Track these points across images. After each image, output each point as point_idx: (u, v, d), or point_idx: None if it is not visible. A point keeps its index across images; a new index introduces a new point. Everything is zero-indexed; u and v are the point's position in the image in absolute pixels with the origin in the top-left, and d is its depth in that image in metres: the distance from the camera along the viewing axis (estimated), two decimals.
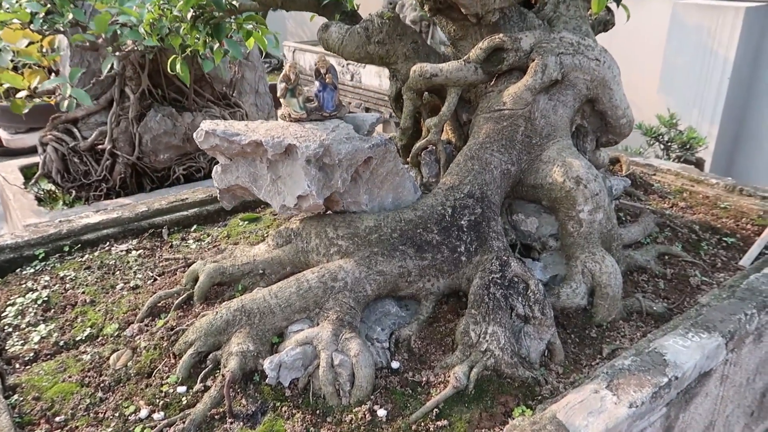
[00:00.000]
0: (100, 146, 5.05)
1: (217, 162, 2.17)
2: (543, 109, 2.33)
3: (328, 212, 2.23)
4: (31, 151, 6.84)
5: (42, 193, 4.93)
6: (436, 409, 1.70)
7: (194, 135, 2.04)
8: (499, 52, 2.35)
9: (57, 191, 5.06)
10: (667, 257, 2.57)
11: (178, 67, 3.10)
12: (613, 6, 2.82)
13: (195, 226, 2.85)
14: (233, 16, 2.86)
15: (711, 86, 6.61)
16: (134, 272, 2.42)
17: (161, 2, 2.89)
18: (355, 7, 2.83)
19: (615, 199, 2.85)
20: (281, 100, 2.12)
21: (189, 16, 2.65)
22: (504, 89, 2.36)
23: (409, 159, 2.61)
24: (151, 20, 2.94)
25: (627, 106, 2.48)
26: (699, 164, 5.74)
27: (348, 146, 2.01)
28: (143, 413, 1.70)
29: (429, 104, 2.74)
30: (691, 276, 2.44)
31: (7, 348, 2.01)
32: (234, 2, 2.71)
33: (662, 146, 5.75)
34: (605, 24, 2.94)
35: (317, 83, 2.13)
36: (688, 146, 5.75)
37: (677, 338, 1.91)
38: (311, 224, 2.19)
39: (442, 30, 2.67)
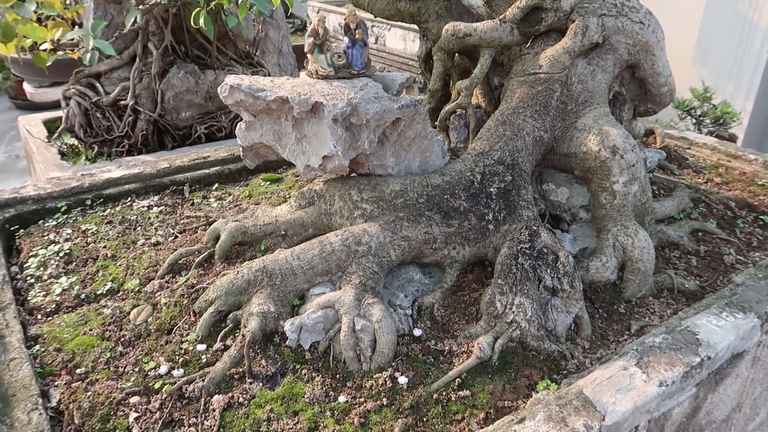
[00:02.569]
0: (122, 102, 5.01)
1: (241, 120, 2.11)
2: (580, 74, 2.22)
3: (352, 175, 2.17)
4: (55, 105, 6.85)
5: (65, 147, 4.93)
6: (458, 379, 1.67)
7: (218, 89, 1.98)
8: (537, 12, 2.24)
9: (80, 146, 5.05)
10: (700, 234, 2.48)
11: (201, 20, 3.03)
12: None
13: (216, 185, 2.81)
14: None
15: (749, 59, 6.34)
16: (155, 228, 2.40)
17: None
18: None
19: (649, 172, 2.75)
20: (308, 56, 2.04)
21: None
22: (540, 52, 2.25)
23: (437, 123, 2.52)
24: None
25: (669, 73, 2.36)
26: (731, 140, 5.54)
27: (376, 106, 1.94)
28: (163, 369, 1.69)
29: (459, 67, 2.65)
30: (726, 254, 2.35)
31: (29, 299, 2.01)
32: None
33: (694, 120, 5.56)
34: None
35: (346, 39, 2.04)
36: (721, 121, 5.56)
37: (711, 317, 1.85)
38: (335, 186, 2.13)
39: None
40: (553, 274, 1.87)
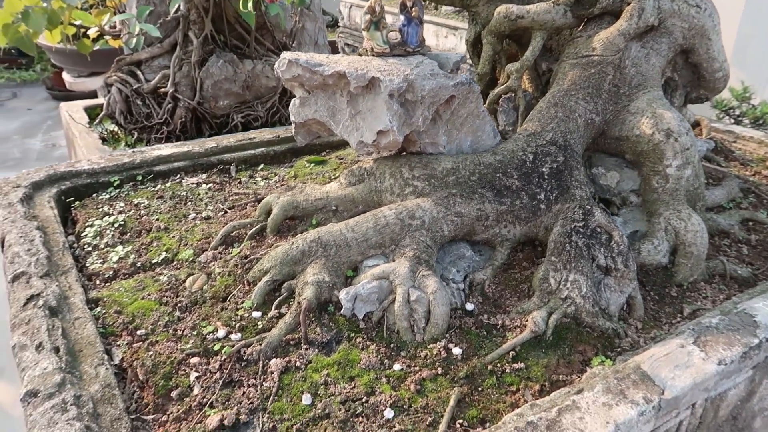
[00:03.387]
0: (162, 89, 5.10)
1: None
2: (634, 57, 2.21)
3: (402, 153, 2.18)
4: (92, 95, 7.00)
5: (105, 133, 5.03)
6: (512, 352, 1.67)
7: (276, 64, 2.01)
8: None
9: (119, 132, 5.15)
10: (751, 223, 2.44)
11: (250, 4, 3.08)
12: None
13: (262, 165, 2.85)
14: None
15: None
16: (205, 204, 2.44)
17: None
18: None
19: None
20: (364, 33, 2.06)
21: None
22: (594, 34, 2.25)
23: (485, 105, 2.52)
24: None
25: (724, 59, 2.34)
26: None
27: (432, 83, 1.95)
28: (221, 333, 1.72)
29: (506, 53, 2.65)
30: None
31: (87, 265, 2.06)
32: None
33: (732, 120, 5.47)
34: None
35: (402, 17, 2.06)
36: (761, 122, 5.46)
37: (767, 302, 1.82)
38: (385, 164, 2.15)
39: None
40: (607, 253, 1.87)
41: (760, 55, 6.34)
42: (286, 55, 2.01)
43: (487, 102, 2.50)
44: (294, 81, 2.04)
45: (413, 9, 2.04)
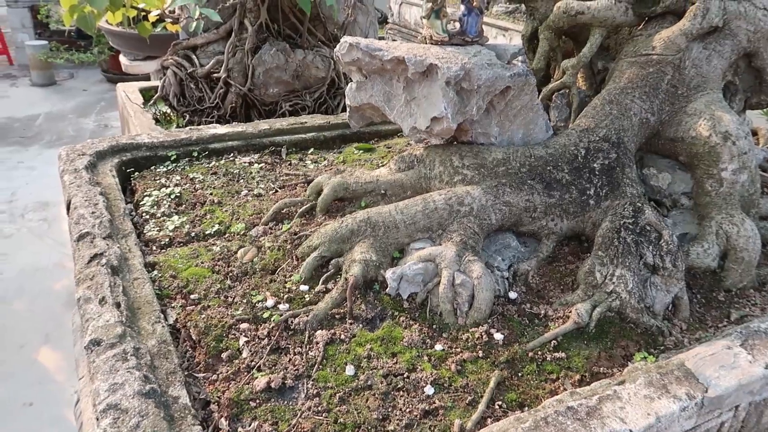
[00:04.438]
0: (215, 74, 5.23)
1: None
2: (695, 58, 2.19)
3: (453, 142, 2.21)
4: (146, 78, 7.22)
5: (159, 113, 5.20)
6: (554, 341, 1.69)
7: (337, 48, 2.06)
8: None
9: (172, 114, 5.32)
10: None
11: None
12: None
13: (312, 149, 2.92)
14: None
15: None
16: (257, 182, 2.52)
17: None
18: None
19: None
20: (424, 21, 2.10)
21: None
22: (654, 33, 2.23)
23: (539, 100, 2.53)
24: None
25: None
26: None
27: (489, 72, 1.97)
28: (269, 303, 1.78)
29: (562, 49, 2.64)
30: None
31: (144, 232, 2.15)
32: None
33: None
34: None
35: (463, 7, 2.08)
36: None
37: None
38: (436, 152, 2.18)
39: None
40: (655, 251, 1.86)
41: None
42: (347, 39, 2.06)
43: (540, 97, 2.49)
44: (353, 65, 2.09)
45: None
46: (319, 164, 2.75)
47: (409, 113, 2.08)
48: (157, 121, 5.08)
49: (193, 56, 5.38)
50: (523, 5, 2.66)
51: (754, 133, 3.16)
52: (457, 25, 2.11)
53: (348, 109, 2.25)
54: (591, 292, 1.80)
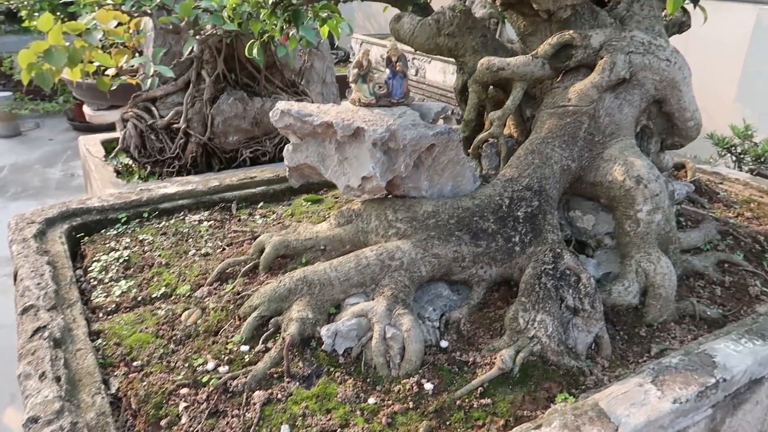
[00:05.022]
0: (175, 125, 5.33)
1: (287, 143, 2.30)
2: (608, 107, 2.35)
3: (389, 196, 2.32)
4: (110, 127, 7.28)
5: (120, 166, 5.27)
6: (480, 388, 1.78)
7: (270, 114, 2.18)
8: (567, 49, 2.38)
9: (134, 165, 5.39)
10: (726, 265, 2.53)
11: (255, 51, 3.28)
12: (689, 7, 2.79)
13: (261, 203, 3.01)
14: (310, 5, 3.00)
15: None
16: (205, 241, 2.60)
17: None
18: (428, 0, 2.92)
19: (677, 204, 2.83)
20: (352, 85, 2.23)
21: (270, 2, 2.80)
22: (570, 86, 2.39)
23: (470, 150, 2.67)
24: (233, 5, 3.12)
25: (696, 108, 2.46)
26: None
27: (413, 132, 2.10)
28: (210, 365, 1.85)
29: (493, 98, 2.80)
30: (751, 285, 2.40)
31: (92, 299, 2.21)
32: None
33: (734, 158, 5.55)
34: (680, 25, 2.91)
35: (388, 70, 2.22)
36: (762, 159, 5.53)
37: (729, 342, 1.91)
38: (372, 206, 2.29)
39: (512, 25, 2.71)
40: (575, 294, 1.98)
41: (765, 92, 6.44)
42: (279, 105, 2.18)
43: (473, 147, 2.64)
44: (287, 129, 2.20)
45: (398, 64, 2.21)
46: (267, 218, 2.84)
47: (342, 172, 2.20)
48: (118, 173, 5.14)
49: (153, 108, 5.48)
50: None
51: (682, 167, 3.34)
52: (384, 87, 2.24)
53: (287, 170, 2.35)
54: (515, 337, 1.91)
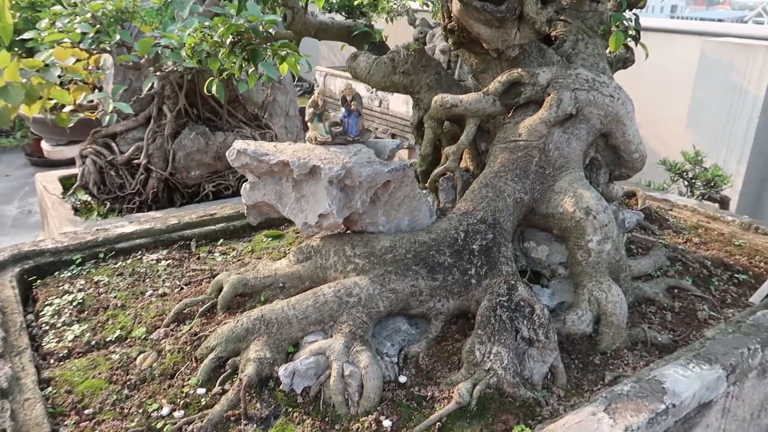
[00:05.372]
0: (135, 161, 5.28)
1: (246, 180, 2.31)
2: (557, 142, 2.43)
3: (347, 231, 2.35)
4: (70, 162, 7.15)
5: (78, 203, 5.18)
6: (438, 423, 1.79)
7: (227, 153, 2.20)
8: (517, 86, 2.47)
9: (93, 202, 5.30)
10: (676, 291, 2.62)
11: (214, 88, 3.30)
12: (633, 43, 2.92)
13: (221, 240, 3.00)
14: (269, 43, 3.04)
15: (739, 124, 6.61)
16: (163, 280, 2.56)
17: (203, 28, 3.09)
18: (384, 39, 2.99)
19: (628, 232, 2.92)
20: (309, 124, 2.26)
21: (228, 41, 2.84)
22: (520, 121, 2.47)
23: (427, 184, 2.72)
24: (192, 44, 3.14)
25: (640, 141, 2.57)
26: (724, 202, 5.72)
27: (368, 169, 2.14)
28: (165, 411, 1.82)
29: (449, 132, 2.87)
30: (699, 310, 2.49)
31: (43, 344, 2.15)
32: (270, 30, 2.89)
33: (686, 183, 5.76)
34: (625, 61, 3.05)
35: (343, 109, 2.27)
36: (712, 184, 5.74)
37: (678, 368, 1.97)
38: (330, 242, 2.31)
39: (465, 62, 2.80)
40: (530, 325, 2.02)
41: (714, 119, 6.74)
42: (236, 145, 2.19)
43: (429, 181, 2.69)
44: (243, 168, 2.21)
45: (353, 103, 2.26)
46: (227, 256, 2.82)
47: (300, 209, 2.21)
48: (76, 210, 5.05)
49: (113, 144, 5.42)
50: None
51: (633, 195, 3.46)
52: (340, 125, 2.29)
53: (245, 208, 2.36)
54: (472, 370, 1.93)
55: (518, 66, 2.54)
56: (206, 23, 3.09)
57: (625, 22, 2.62)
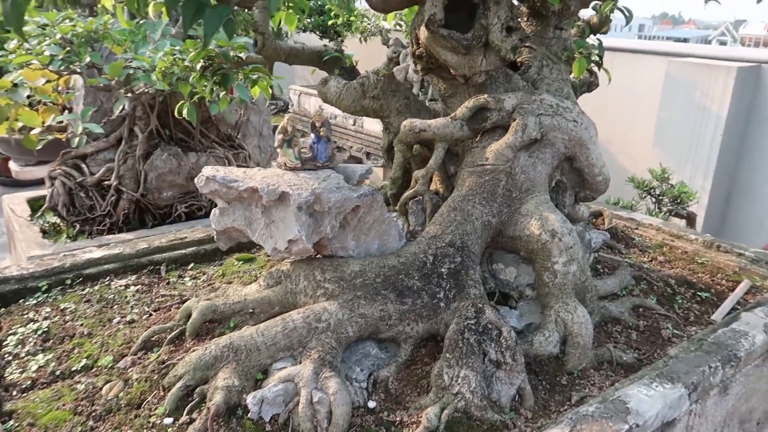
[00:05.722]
0: (106, 182, 5.21)
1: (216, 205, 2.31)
2: (523, 165, 2.49)
3: (317, 256, 2.36)
4: (39, 183, 7.04)
5: (47, 225, 5.09)
6: None
7: (195, 180, 2.20)
8: (483, 111, 2.53)
9: (62, 224, 5.21)
10: (641, 309, 2.68)
11: (185, 112, 3.30)
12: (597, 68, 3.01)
13: (192, 264, 2.98)
14: (240, 68, 3.06)
15: (704, 142, 6.82)
16: (131, 307, 2.54)
17: (173, 52, 3.10)
18: (354, 63, 3.04)
19: (594, 252, 2.98)
20: (278, 150, 2.28)
21: (199, 66, 2.85)
22: (487, 145, 2.53)
23: (397, 207, 2.75)
24: (163, 68, 3.15)
25: (603, 164, 2.64)
26: (690, 218, 5.88)
27: (337, 195, 2.16)
28: None
29: (419, 156, 2.91)
30: (663, 328, 2.54)
31: (5, 375, 2.11)
32: (241, 55, 2.91)
33: (654, 200, 5.90)
34: (589, 85, 3.14)
35: (312, 135, 2.29)
36: (678, 200, 5.90)
37: (641, 387, 2.01)
38: (301, 267, 2.31)
39: (434, 87, 2.86)
40: (497, 348, 2.04)
41: (679, 137, 6.93)
42: (205, 171, 2.20)
43: (399, 204, 2.72)
44: (213, 194, 2.22)
45: (322, 129, 2.28)
46: (198, 280, 2.81)
47: (269, 235, 2.22)
48: (44, 233, 4.96)
49: (83, 165, 5.36)
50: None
51: (599, 215, 3.54)
52: (310, 151, 2.31)
53: (215, 233, 2.35)
54: (441, 394, 1.95)
55: (485, 91, 2.60)
56: (177, 47, 3.10)
57: (587, 48, 2.71)
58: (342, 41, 10.30)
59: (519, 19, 2.50)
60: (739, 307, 2.74)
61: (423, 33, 2.45)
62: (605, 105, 7.80)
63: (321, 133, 2.28)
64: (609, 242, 3.26)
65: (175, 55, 3.01)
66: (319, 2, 10.11)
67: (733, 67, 6.36)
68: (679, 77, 6.84)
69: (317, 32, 10.31)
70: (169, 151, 5.28)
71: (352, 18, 9.69)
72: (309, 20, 10.44)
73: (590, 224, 3.48)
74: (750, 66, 6.49)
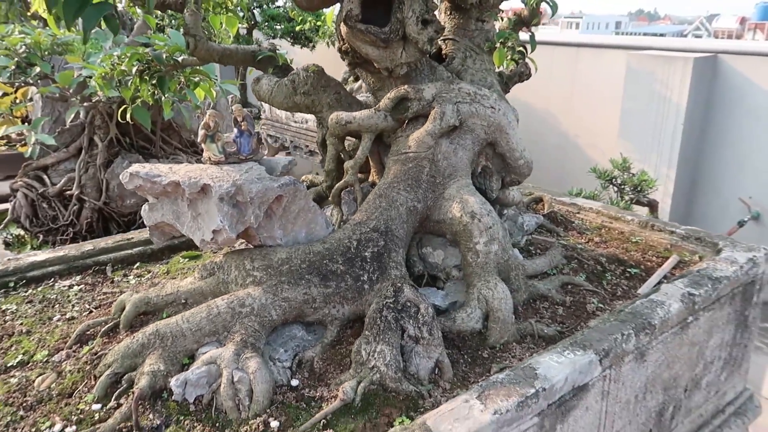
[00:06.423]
0: (68, 192, 5.27)
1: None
2: (445, 152, 2.59)
3: (249, 246, 2.44)
4: (4, 199, 7.06)
5: (11, 237, 5.13)
6: (324, 421, 1.88)
7: (120, 177, 2.27)
8: (405, 102, 2.63)
9: (26, 236, 5.25)
10: (570, 286, 2.78)
11: (128, 116, 3.37)
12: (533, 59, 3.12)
13: (138, 264, 3.05)
14: (179, 70, 3.14)
15: (666, 132, 6.98)
16: (72, 305, 2.61)
17: (112, 59, 3.18)
18: (288, 62, 3.13)
19: (528, 235, 3.09)
20: (202, 145, 2.37)
21: (134, 70, 2.93)
22: (410, 134, 2.63)
23: (331, 198, 2.84)
24: (102, 74, 3.22)
25: (524, 148, 2.75)
26: (652, 205, 6.03)
27: (259, 185, 2.25)
28: (57, 428, 1.87)
29: (354, 147, 3.00)
30: (589, 303, 2.65)
31: None
32: (176, 57, 3.00)
33: (616, 189, 6.03)
34: (521, 75, 3.24)
35: (235, 129, 2.38)
36: (639, 189, 6.03)
37: (553, 355, 2.11)
38: (232, 257, 2.40)
39: (364, 81, 2.95)
40: (415, 324, 2.14)
41: (642, 128, 7.09)
42: (131, 168, 2.28)
43: (332, 194, 2.81)
44: (138, 191, 2.30)
45: (243, 123, 2.37)
46: (142, 278, 2.88)
47: (197, 227, 2.30)
48: (8, 245, 5.01)
49: (44, 176, 5.41)
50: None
51: (540, 201, 3.65)
52: (234, 145, 2.40)
53: (148, 229, 2.43)
54: (359, 369, 2.04)
55: (410, 83, 2.70)
56: (115, 53, 3.18)
57: (507, 39, 2.82)
58: (314, 47, 10.41)
59: (435, 12, 2.61)
60: (665, 281, 2.85)
61: (344, 29, 2.55)
62: (571, 99, 7.96)
63: (243, 127, 2.37)
64: (548, 226, 3.37)
65: (113, 60, 3.09)
66: (285, 9, 10.23)
67: (690, 58, 6.52)
68: (639, 69, 7.00)
69: (287, 38, 10.41)
70: (130, 158, 5.35)
71: (318, 23, 9.80)
72: (279, 27, 10.55)
73: (530, 209, 3.59)
74: (706, 56, 6.65)
